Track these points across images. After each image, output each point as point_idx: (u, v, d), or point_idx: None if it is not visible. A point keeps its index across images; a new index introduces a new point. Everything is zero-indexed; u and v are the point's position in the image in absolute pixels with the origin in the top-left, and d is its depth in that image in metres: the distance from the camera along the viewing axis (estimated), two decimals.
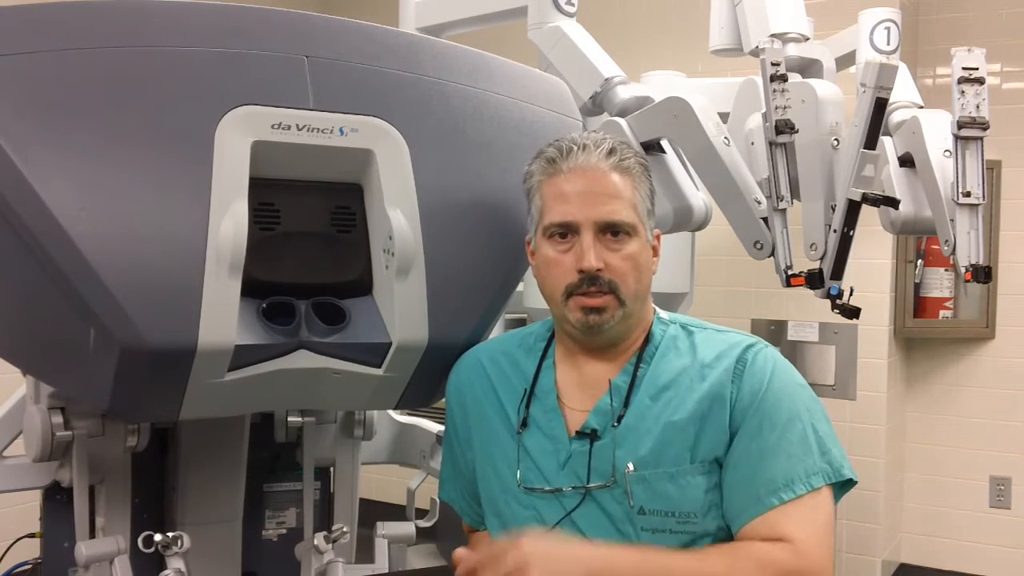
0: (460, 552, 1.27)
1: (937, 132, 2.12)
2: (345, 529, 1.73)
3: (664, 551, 1.26)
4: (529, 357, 1.44)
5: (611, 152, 1.33)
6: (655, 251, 1.39)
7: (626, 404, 1.33)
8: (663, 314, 1.43)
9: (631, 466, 1.29)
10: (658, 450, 1.30)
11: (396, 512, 2.15)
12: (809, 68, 2.32)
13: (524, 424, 1.38)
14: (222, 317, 1.31)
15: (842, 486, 1.31)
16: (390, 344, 1.44)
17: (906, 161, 2.21)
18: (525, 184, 1.41)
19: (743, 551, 1.24)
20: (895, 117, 2.30)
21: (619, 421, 1.32)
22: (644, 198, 1.36)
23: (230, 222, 1.30)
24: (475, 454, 1.46)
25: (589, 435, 1.33)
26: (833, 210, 1.98)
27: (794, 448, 1.27)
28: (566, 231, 1.33)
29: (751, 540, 1.26)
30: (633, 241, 1.33)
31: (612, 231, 1.32)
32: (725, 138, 2.08)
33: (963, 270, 2.03)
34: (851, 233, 1.96)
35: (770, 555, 1.22)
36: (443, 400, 1.56)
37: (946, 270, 3.81)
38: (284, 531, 1.99)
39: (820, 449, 1.28)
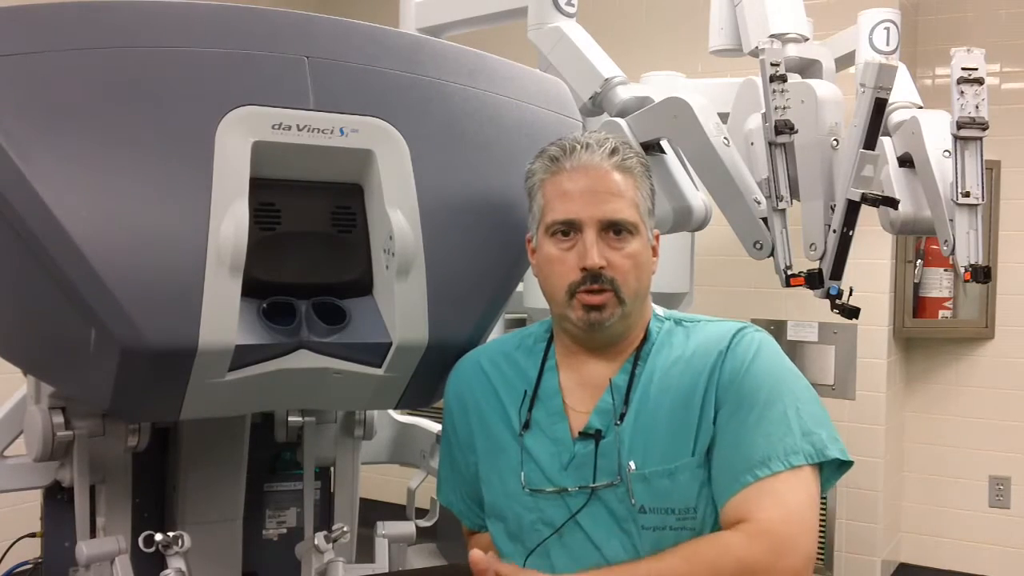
0: (477, 554, 1.26)
1: (936, 132, 2.12)
2: (345, 529, 1.73)
3: (629, 564, 1.26)
4: (529, 358, 1.44)
5: (613, 151, 1.35)
6: (654, 251, 1.40)
7: (626, 402, 1.33)
8: (660, 311, 1.43)
9: (632, 464, 1.29)
10: (662, 446, 1.30)
11: (396, 512, 2.15)
12: (809, 68, 2.32)
13: (526, 426, 1.39)
14: (223, 317, 1.31)
15: (838, 468, 1.30)
16: (390, 344, 1.44)
17: (905, 161, 2.21)
18: (527, 183, 1.41)
19: (696, 548, 1.24)
20: (894, 117, 2.30)
21: (621, 419, 1.32)
22: (645, 197, 1.37)
23: (231, 222, 1.30)
24: (478, 457, 1.46)
25: (594, 435, 1.33)
26: (833, 210, 1.99)
27: (773, 427, 1.26)
28: (569, 229, 1.33)
29: (723, 527, 1.26)
30: (635, 240, 1.33)
31: (614, 229, 1.32)
32: (725, 138, 2.09)
33: (962, 270, 2.03)
34: (851, 233, 1.97)
35: (725, 546, 1.22)
36: (443, 400, 1.56)
37: (945, 270, 3.81)
38: (284, 531, 2.00)
39: (802, 430, 1.27)
